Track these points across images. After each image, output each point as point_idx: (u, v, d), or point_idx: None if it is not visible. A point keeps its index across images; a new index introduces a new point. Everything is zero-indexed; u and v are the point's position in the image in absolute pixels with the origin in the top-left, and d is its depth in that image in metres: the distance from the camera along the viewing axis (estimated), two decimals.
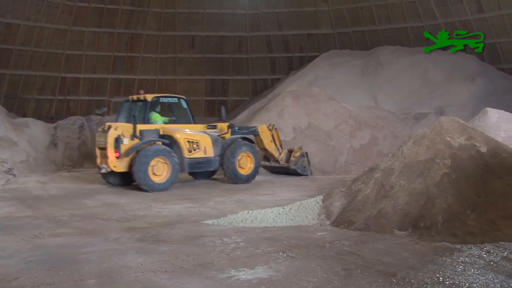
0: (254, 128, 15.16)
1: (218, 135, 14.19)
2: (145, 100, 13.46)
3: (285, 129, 16.97)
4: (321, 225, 7.93)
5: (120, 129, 12.72)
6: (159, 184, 12.51)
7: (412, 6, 25.44)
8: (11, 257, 6.07)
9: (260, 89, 29.15)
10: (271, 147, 15.31)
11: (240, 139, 14.27)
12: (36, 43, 25.57)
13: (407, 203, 7.38)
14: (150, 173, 12.38)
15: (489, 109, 13.25)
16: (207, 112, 27.72)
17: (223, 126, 14.55)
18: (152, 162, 12.43)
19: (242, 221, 8.17)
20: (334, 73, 24.82)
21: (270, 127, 15.36)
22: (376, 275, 5.15)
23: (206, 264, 5.66)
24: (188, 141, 13.20)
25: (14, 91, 25.55)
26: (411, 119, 20.95)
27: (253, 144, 14.69)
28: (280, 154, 15.54)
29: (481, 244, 6.20)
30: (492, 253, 5.85)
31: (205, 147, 13.43)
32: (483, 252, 5.88)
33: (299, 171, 15.36)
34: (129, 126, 12.88)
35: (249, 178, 14.12)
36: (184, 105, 14.23)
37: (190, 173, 14.97)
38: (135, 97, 13.95)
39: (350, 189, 8.52)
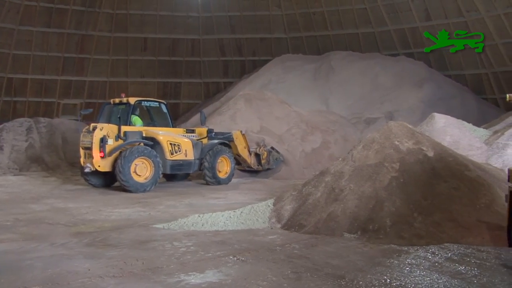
0: (229, 134, 15.48)
1: (197, 140, 14.58)
2: (127, 103, 13.63)
3: None
4: (272, 228, 7.95)
5: (105, 130, 12.90)
6: (141, 184, 12.71)
7: (364, 13, 25.94)
8: None
9: (213, 92, 29.11)
10: (244, 153, 15.67)
11: (219, 144, 14.65)
12: None
13: (356, 207, 7.49)
14: (132, 173, 12.58)
15: (436, 114, 13.59)
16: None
17: (202, 131, 15.03)
18: (135, 162, 12.64)
19: (192, 224, 8.10)
20: (287, 77, 25.00)
21: (242, 134, 15.75)
22: (325, 277, 5.19)
23: (155, 269, 5.57)
24: (171, 144, 13.55)
25: None
26: (361, 123, 21.29)
27: (230, 149, 15.05)
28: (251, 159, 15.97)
29: (427, 246, 6.35)
30: (437, 254, 5.99)
31: (186, 150, 13.82)
32: (429, 254, 6.02)
33: (275, 166, 16.34)
34: (114, 127, 13.04)
35: (226, 180, 14.66)
36: (164, 109, 14.54)
37: (167, 177, 15.13)
38: (117, 100, 14.02)
39: (301, 193, 8.57)
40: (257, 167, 16.03)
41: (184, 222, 8.22)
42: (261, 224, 8.13)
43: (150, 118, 14.71)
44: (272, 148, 16.37)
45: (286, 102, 19.53)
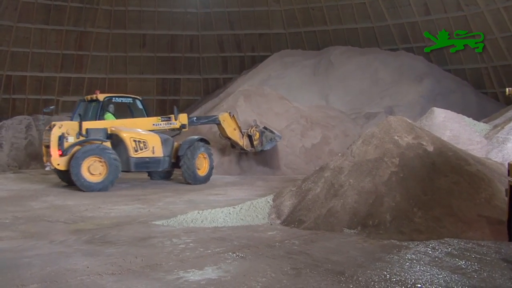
0: (215, 117, 15.01)
1: (175, 128, 14.27)
2: (97, 100, 13.37)
3: None
4: (271, 224, 7.93)
5: (64, 127, 12.63)
6: (96, 183, 12.34)
7: (363, 7, 25.87)
8: None
9: (212, 89, 29.07)
10: (235, 135, 15.24)
11: (198, 141, 14.17)
12: None
13: (356, 202, 7.47)
14: (84, 172, 12.24)
15: (435, 108, 13.56)
16: (158, 111, 27.36)
17: (183, 117, 14.41)
18: (87, 162, 12.28)
19: (192, 221, 8.08)
20: (286, 73, 24.96)
21: (230, 115, 15.27)
22: (325, 273, 5.17)
23: (154, 266, 5.55)
24: (135, 140, 13.03)
25: None
26: (361, 119, 21.26)
27: (209, 146, 14.59)
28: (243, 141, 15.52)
29: (427, 241, 6.33)
30: (437, 249, 5.97)
31: (153, 147, 13.29)
32: (429, 249, 6.00)
33: (269, 147, 15.82)
34: (75, 124, 12.78)
35: (205, 179, 14.17)
36: (140, 105, 14.17)
37: (149, 174, 15.09)
38: (89, 97, 13.85)
39: (300, 188, 8.55)
40: (250, 149, 15.67)
41: (184, 219, 8.20)
42: (260, 220, 8.11)
43: (131, 115, 14.33)
44: (265, 128, 15.88)
45: (285, 98, 19.48)
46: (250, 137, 15.47)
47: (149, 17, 28.38)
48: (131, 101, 14.21)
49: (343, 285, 4.82)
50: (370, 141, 8.38)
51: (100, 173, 12.39)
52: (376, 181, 7.63)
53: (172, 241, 6.74)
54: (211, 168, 14.43)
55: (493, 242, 6.30)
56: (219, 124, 15.00)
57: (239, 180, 14.68)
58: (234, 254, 5.98)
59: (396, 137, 8.20)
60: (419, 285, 4.74)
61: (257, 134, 15.55)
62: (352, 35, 26.79)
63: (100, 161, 12.39)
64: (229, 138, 15.31)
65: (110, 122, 13.31)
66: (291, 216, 7.94)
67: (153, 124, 13.91)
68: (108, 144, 12.79)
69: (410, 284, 4.77)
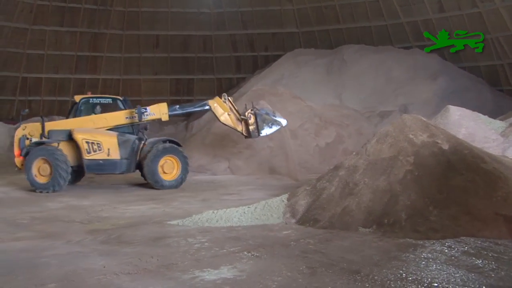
0: (203, 103, 14.10)
1: (152, 119, 13.66)
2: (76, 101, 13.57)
3: None
4: (286, 223, 7.92)
5: (28, 129, 12.97)
6: (43, 184, 12.36)
7: (376, 5, 25.77)
8: None
9: (226, 88, 29.04)
10: (229, 121, 13.97)
11: (163, 142, 13.34)
12: None
13: (371, 201, 7.44)
14: (35, 173, 12.34)
15: (450, 106, 13.45)
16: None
17: (162, 107, 13.75)
18: (37, 163, 12.36)
19: (207, 221, 8.10)
20: (299, 72, 24.91)
21: (223, 99, 13.98)
22: (340, 272, 5.16)
23: (170, 265, 5.58)
24: (87, 142, 12.71)
25: None
26: (375, 117, 21.17)
27: (180, 148, 13.48)
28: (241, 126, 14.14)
29: (443, 239, 6.29)
30: (453, 248, 5.94)
31: (108, 149, 12.82)
32: (445, 248, 5.96)
33: (268, 132, 14.14)
34: (39, 126, 13.02)
35: (173, 185, 12.98)
36: (121, 105, 13.73)
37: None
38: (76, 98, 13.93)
39: (315, 188, 8.53)
40: (249, 136, 14.16)
41: (199, 218, 8.21)
42: (275, 220, 8.10)
43: None
44: (257, 109, 14.06)
45: (299, 97, 19.44)
46: (246, 121, 13.93)
47: (162, 18, 28.52)
48: (111, 101, 13.91)
49: (359, 284, 4.81)
50: (385, 139, 8.35)
51: (49, 174, 12.36)
52: (391, 180, 7.60)
53: (187, 241, 6.76)
54: (184, 172, 13.15)
55: (510, 241, 6.24)
56: (208, 110, 14.29)
57: (253, 180, 14.64)
58: (250, 254, 5.99)
59: (411, 136, 8.15)
60: (436, 284, 4.72)
61: (253, 117, 13.84)
62: (365, 33, 26.68)
63: (47, 163, 12.38)
64: (225, 125, 14.23)
65: (73, 122, 13.30)
66: (306, 215, 7.93)
67: (126, 118, 13.38)
68: (55, 144, 12.69)
69: (427, 283, 4.75)
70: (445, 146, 7.93)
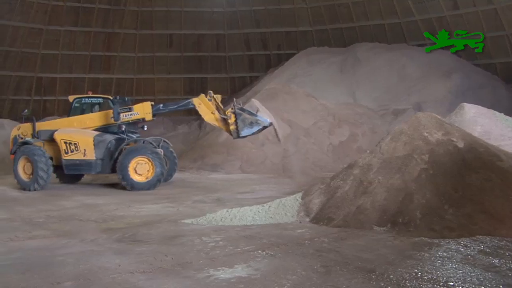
0: (187, 101, 13.73)
1: (136, 119, 13.58)
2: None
3: None
4: (300, 222, 7.91)
5: (22, 129, 13.69)
6: (25, 182, 12.89)
7: (389, 3, 25.61)
8: None
9: (239, 87, 29.10)
10: (213, 120, 13.38)
11: (135, 143, 13.24)
12: (10, 43, 25.26)
13: (385, 199, 7.40)
14: (20, 172, 12.97)
15: (465, 104, 13.35)
16: (186, 111, 27.65)
17: (145, 106, 13.60)
18: (21, 161, 12.94)
19: (221, 219, 8.11)
20: (312, 70, 24.87)
21: (209, 97, 13.40)
22: (355, 271, 5.14)
23: (184, 264, 5.60)
24: (65, 142, 12.98)
25: None
26: (389, 115, 21.06)
27: (156, 149, 13.12)
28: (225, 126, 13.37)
29: (458, 238, 6.24)
30: (469, 247, 5.88)
31: (84, 149, 12.93)
32: (461, 246, 5.91)
33: (247, 133, 13.02)
34: (31, 126, 13.65)
35: (145, 186, 12.60)
36: (111, 105, 13.64)
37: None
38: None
39: (329, 186, 8.51)
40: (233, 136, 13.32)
41: (213, 217, 8.23)
42: (289, 218, 8.10)
43: None
44: (243, 109, 13.08)
45: (312, 95, 19.43)
46: (226, 121, 13.08)
47: (176, 17, 28.58)
48: (101, 101, 14.04)
49: (374, 283, 4.79)
50: (399, 137, 8.30)
51: (32, 173, 12.84)
52: (406, 178, 7.55)
53: (201, 240, 6.78)
54: (158, 173, 12.69)
55: None
56: (191, 108, 13.93)
57: (266, 178, 14.64)
58: (264, 252, 5.99)
59: (425, 134, 8.10)
60: (452, 283, 4.69)
61: (233, 117, 12.88)
62: (379, 31, 26.51)
63: (29, 162, 12.85)
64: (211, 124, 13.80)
65: (61, 122, 13.91)
66: (320, 214, 7.92)
67: (111, 117, 13.28)
68: (40, 144, 13.19)
69: (442, 282, 4.72)
70: (461, 144, 7.87)
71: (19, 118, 23.92)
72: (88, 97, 14.18)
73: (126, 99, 14.78)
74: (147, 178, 12.65)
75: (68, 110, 14.30)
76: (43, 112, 25.74)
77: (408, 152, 7.92)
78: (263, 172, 15.64)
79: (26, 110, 15.47)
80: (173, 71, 29.15)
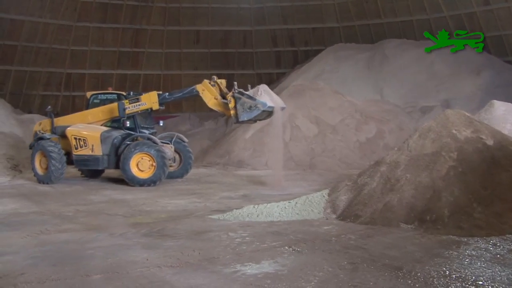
0: (191, 89, 13.66)
1: (144, 109, 13.69)
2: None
3: None
4: (327, 219, 7.91)
5: (42, 125, 14.24)
6: (44, 176, 13.34)
7: None
8: (17, 253, 6.07)
9: (266, 83, 28.85)
10: (217, 106, 13.16)
11: (138, 140, 13.34)
12: (40, 39, 25.67)
13: (413, 197, 7.35)
14: (37, 166, 13.50)
15: (495, 101, 13.14)
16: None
17: (152, 96, 13.71)
18: (38, 156, 13.42)
19: (248, 215, 8.15)
20: (340, 66, 24.73)
21: (212, 83, 13.42)
22: (382, 268, 5.12)
23: (211, 259, 5.64)
24: (75, 138, 13.30)
25: (19, 87, 25.72)
26: (417, 112, 20.87)
27: (157, 145, 13.04)
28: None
29: (487, 237, 6.16)
30: (498, 246, 5.81)
31: (92, 145, 13.19)
32: (490, 245, 5.84)
33: (246, 117, 12.39)
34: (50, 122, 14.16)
35: (147, 182, 12.70)
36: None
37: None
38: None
39: (356, 183, 8.49)
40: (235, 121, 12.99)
41: (239, 213, 8.28)
42: (316, 215, 8.10)
43: None
44: (242, 93, 12.52)
45: (339, 92, 19.34)
46: (227, 105, 12.72)
47: (203, 14, 28.69)
48: (115, 97, 14.15)
49: (401, 280, 4.77)
50: (427, 135, 8.23)
51: (44, 167, 13.40)
52: (434, 176, 7.49)
53: (228, 235, 6.82)
54: (159, 169, 12.71)
55: None
56: (196, 95, 13.61)
57: (293, 174, 14.62)
58: (290, 248, 6.00)
59: (454, 131, 8.01)
60: (481, 283, 4.64)
61: (232, 100, 12.50)
62: (407, 27, 26.23)
63: (44, 157, 13.30)
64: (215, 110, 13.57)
65: (75, 117, 14.25)
66: (347, 211, 7.90)
67: (118, 112, 13.50)
68: (56, 139, 13.68)
69: (471, 281, 4.67)
70: (490, 142, 7.77)
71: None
72: (104, 93, 14.52)
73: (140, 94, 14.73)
74: (149, 174, 12.80)
75: (86, 106, 14.55)
76: (72, 108, 26.08)
77: (436, 150, 7.85)
78: (289, 169, 15.62)
79: (50, 107, 15.71)
80: (200, 67, 29.26)
